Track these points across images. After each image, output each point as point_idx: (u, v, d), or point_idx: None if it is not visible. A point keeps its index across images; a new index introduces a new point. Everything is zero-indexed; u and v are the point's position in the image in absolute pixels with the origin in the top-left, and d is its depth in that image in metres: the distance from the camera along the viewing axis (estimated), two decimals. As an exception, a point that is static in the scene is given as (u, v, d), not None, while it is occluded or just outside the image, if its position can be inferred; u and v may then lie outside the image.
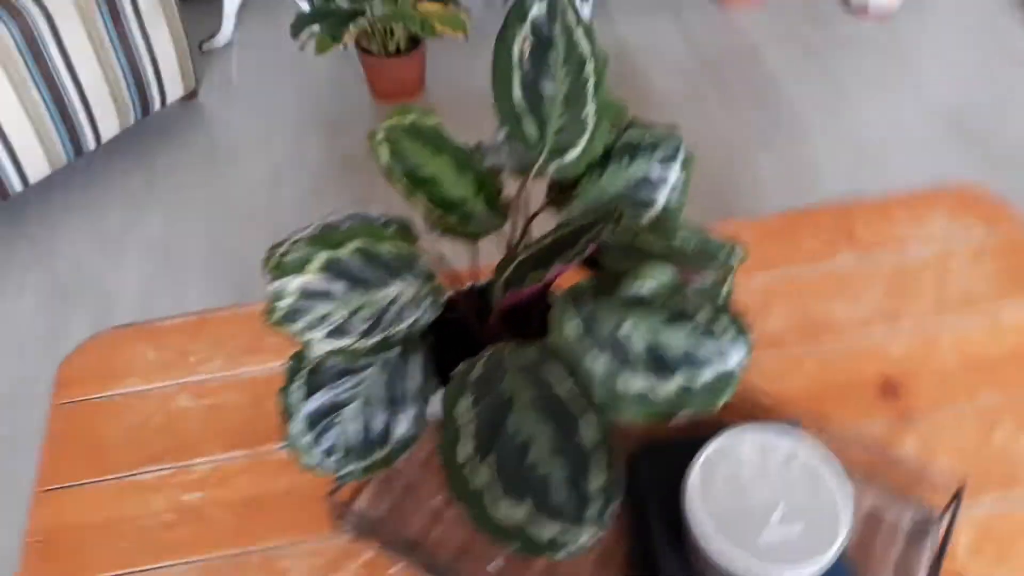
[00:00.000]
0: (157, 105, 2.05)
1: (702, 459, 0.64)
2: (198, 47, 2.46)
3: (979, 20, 2.55)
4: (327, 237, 0.56)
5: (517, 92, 0.63)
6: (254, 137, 2.21)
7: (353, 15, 1.91)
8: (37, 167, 1.86)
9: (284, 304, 0.55)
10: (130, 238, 1.97)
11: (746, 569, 0.59)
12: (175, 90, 2.07)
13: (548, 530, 0.50)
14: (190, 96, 2.22)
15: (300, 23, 1.93)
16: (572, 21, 0.63)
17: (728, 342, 0.54)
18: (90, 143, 1.94)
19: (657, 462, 0.71)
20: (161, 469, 0.80)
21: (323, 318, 0.56)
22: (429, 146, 0.64)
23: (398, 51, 2.16)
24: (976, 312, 0.89)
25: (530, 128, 0.63)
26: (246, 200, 2.04)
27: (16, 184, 1.85)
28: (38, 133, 1.80)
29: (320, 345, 0.56)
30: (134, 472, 0.80)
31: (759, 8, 2.63)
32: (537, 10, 0.62)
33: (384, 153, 0.63)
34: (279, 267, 0.56)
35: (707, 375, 0.54)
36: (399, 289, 0.57)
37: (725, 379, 0.54)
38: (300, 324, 0.56)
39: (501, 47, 0.62)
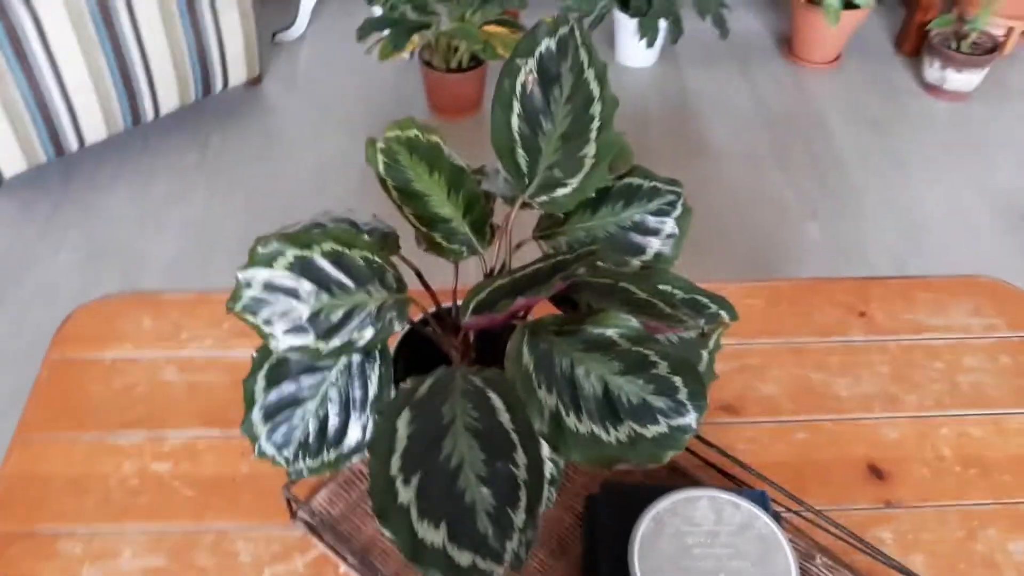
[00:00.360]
0: (219, 86, 2.10)
1: (652, 513, 0.62)
2: (271, 37, 2.52)
3: (1056, 114, 2.48)
4: (300, 236, 0.57)
5: (515, 122, 0.62)
6: (309, 131, 2.25)
7: (419, 27, 1.94)
8: (95, 129, 1.92)
9: (248, 294, 0.56)
10: (171, 211, 2.02)
11: (675, 635, 0.57)
12: (238, 74, 2.12)
13: (464, 558, 0.49)
14: (254, 82, 2.28)
15: (367, 28, 1.96)
16: (584, 60, 0.63)
17: (683, 399, 0.53)
18: (148, 113, 2.00)
19: (614, 505, 0.69)
20: (136, 435, 0.81)
21: (284, 314, 0.56)
22: (424, 162, 0.64)
23: (460, 67, 2.18)
24: (982, 411, 0.86)
25: (521, 160, 0.63)
26: (289, 191, 2.08)
27: (72, 142, 1.91)
28: (99, 96, 1.86)
29: (280, 340, 0.56)
30: (110, 434, 0.81)
31: (831, 70, 2.59)
32: (546, 45, 0.62)
33: (380, 163, 0.63)
34: (250, 258, 0.56)
35: (657, 428, 0.52)
36: (364, 298, 0.57)
37: (675, 435, 0.52)
38: (261, 316, 0.56)
39: (506, 76, 0.62)
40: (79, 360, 0.88)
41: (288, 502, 0.74)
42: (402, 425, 0.52)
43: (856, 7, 2.45)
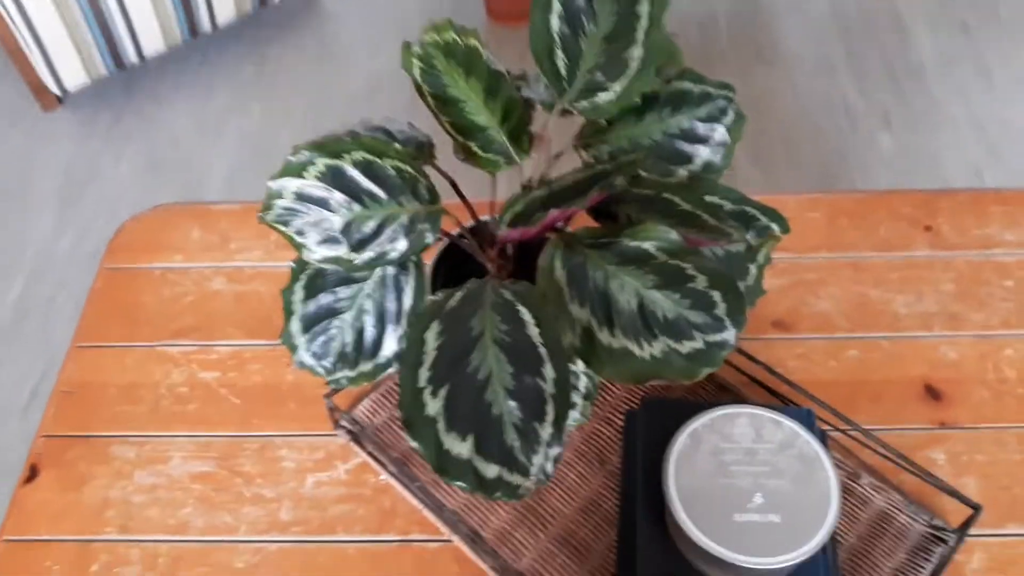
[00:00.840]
0: (275, -4, 2.08)
1: (689, 430, 0.61)
2: (326, -57, 2.46)
3: None
4: (331, 145, 0.55)
5: (555, 23, 0.59)
6: (365, 43, 2.22)
7: (474, -73, 1.87)
8: (153, 42, 1.92)
9: (280, 204, 0.55)
10: (229, 124, 2.03)
11: (710, 548, 0.56)
12: (293, -17, 2.09)
13: (491, 470, 0.48)
14: (310, -9, 2.24)
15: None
16: (628, -49, 0.59)
17: (720, 314, 0.51)
18: (206, 25, 1.99)
19: (654, 420, 0.69)
20: (185, 345, 0.83)
21: (316, 224, 0.55)
22: (461, 67, 0.61)
23: (518, -30, 2.11)
24: (1050, 330, 0.81)
25: (559, 62, 0.60)
26: (345, 102, 2.06)
27: (132, 55, 1.93)
28: (155, 8, 1.86)
29: (313, 250, 0.56)
30: (160, 343, 0.84)
31: (914, -30, 2.42)
32: (586, -67, 0.58)
33: (415, 68, 0.61)
34: (283, 167, 0.55)
35: (692, 345, 0.51)
36: (396, 209, 0.56)
37: (712, 351, 0.51)
38: (293, 226, 0.55)
39: (542, -31, 0.58)
40: (131, 270, 0.89)
41: (330, 411, 0.75)
42: (431, 337, 0.52)
43: None
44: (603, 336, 0.52)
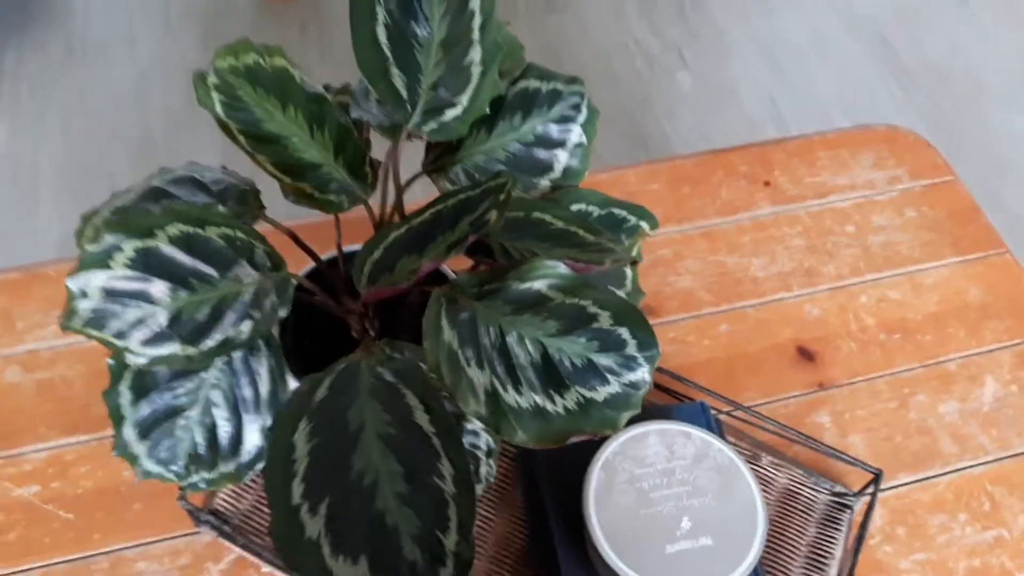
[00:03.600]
0: (2, -5, 1.79)
1: (601, 461, 0.57)
2: (53, -75, 2.16)
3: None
4: (138, 221, 0.44)
5: (382, 34, 0.51)
6: (119, 31, 1.97)
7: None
8: None
9: (86, 306, 0.44)
10: (-23, 150, 1.75)
11: (646, 589, 0.53)
12: (23, -22, 1.81)
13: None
14: (44, -16, 1.96)
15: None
16: (453, -56, 0.51)
17: (632, 351, 0.46)
18: (-79, 39, 1.68)
19: (553, 453, 0.64)
20: (-17, 457, 0.69)
21: (138, 323, 0.45)
22: (274, 95, 0.52)
23: (284, -60, 1.94)
24: (896, 271, 0.84)
25: (398, 81, 0.51)
26: (109, 109, 1.83)
27: None
28: None
29: (139, 353, 0.45)
30: (-50, 461, 0.68)
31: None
32: (407, -69, 0.50)
33: (216, 103, 0.51)
34: (79, 258, 0.44)
35: (608, 389, 0.46)
36: (234, 286, 0.47)
37: (629, 392, 0.46)
38: (110, 330, 0.44)
39: (361, -23, 0.49)
40: None
41: (188, 512, 0.64)
42: (300, 440, 0.43)
43: None
44: (509, 397, 0.45)
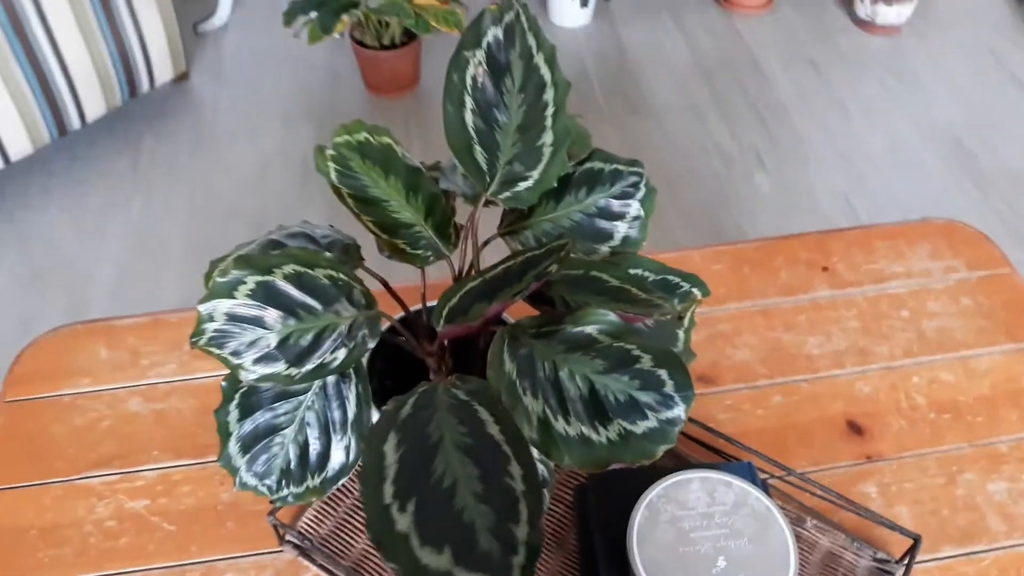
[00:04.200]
0: (145, 86, 2.03)
1: (646, 502, 0.62)
2: (192, 28, 2.43)
3: (980, 34, 2.52)
4: (260, 260, 0.54)
5: (469, 119, 0.60)
6: (244, 125, 2.19)
7: (347, 6, 1.89)
8: (19, 145, 1.84)
9: (212, 328, 0.53)
10: (109, 222, 1.95)
11: (681, 622, 0.57)
12: (164, 72, 2.05)
13: (470, 580, 0.48)
14: (181, 78, 2.20)
15: (293, 11, 1.90)
16: (532, 45, 0.61)
17: (670, 391, 0.52)
18: (74, 122, 1.92)
19: (604, 493, 0.69)
20: (107, 474, 0.79)
21: (252, 344, 0.54)
22: (379, 166, 0.62)
23: (393, 44, 2.13)
24: (949, 355, 0.87)
25: (480, 157, 0.61)
26: (231, 190, 2.02)
27: (-3, 161, 1.83)
28: (19, 110, 1.78)
29: (250, 370, 0.54)
30: (79, 476, 0.78)
31: (764, 14, 2.60)
32: (493, 34, 0.60)
33: (331, 171, 0.61)
34: (209, 289, 0.54)
35: (646, 424, 0.52)
36: (334, 318, 0.55)
37: (666, 428, 0.52)
38: (228, 349, 0.54)
39: (454, 71, 0.59)
40: (36, 401, 0.84)
41: (274, 528, 0.72)
42: (390, 450, 0.51)
43: (783, -51, 2.44)
44: (559, 425, 0.52)
